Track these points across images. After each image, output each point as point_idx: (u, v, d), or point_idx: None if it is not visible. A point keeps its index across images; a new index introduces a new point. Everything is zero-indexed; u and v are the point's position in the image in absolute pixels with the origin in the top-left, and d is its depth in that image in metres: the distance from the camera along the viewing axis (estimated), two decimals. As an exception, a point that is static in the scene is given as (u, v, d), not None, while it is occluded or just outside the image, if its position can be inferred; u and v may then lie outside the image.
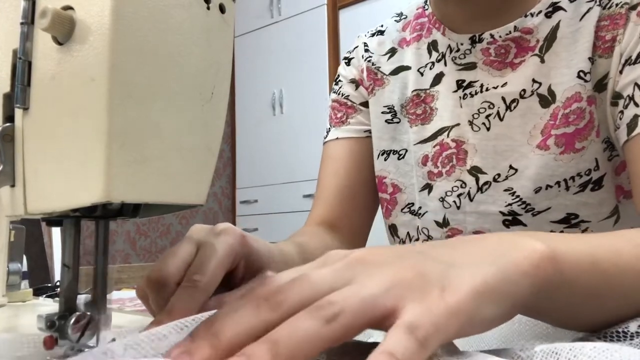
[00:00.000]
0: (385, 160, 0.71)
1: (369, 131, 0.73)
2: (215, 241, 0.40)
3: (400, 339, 0.24)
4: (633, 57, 0.52)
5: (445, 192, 0.64)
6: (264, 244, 0.47)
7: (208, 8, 0.33)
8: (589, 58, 0.55)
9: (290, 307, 0.26)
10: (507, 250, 0.30)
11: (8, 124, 0.32)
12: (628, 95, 0.52)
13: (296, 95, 3.63)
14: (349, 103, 0.75)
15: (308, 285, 0.27)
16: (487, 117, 0.61)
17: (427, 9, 0.70)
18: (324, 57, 3.48)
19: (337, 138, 0.74)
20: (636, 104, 0.52)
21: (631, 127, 0.52)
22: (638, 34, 0.53)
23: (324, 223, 0.72)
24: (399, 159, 0.69)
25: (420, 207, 0.66)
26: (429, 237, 0.65)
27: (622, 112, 0.53)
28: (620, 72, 0.53)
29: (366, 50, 0.75)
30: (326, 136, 0.76)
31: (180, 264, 0.39)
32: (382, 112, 0.71)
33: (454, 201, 0.63)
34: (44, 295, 0.84)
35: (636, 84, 0.52)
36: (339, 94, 0.77)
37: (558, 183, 0.57)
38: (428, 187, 0.66)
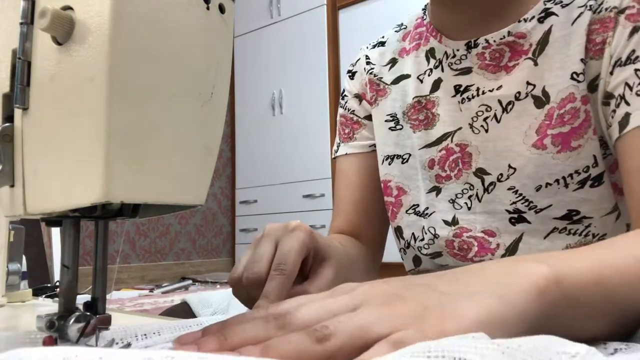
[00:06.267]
0: (389, 164, 0.73)
1: (374, 145, 0.77)
2: (291, 236, 0.49)
3: (381, 349, 0.27)
4: (623, 59, 0.54)
5: (456, 195, 0.66)
6: (324, 239, 0.54)
7: (207, 8, 0.33)
8: (582, 60, 0.57)
9: (293, 327, 0.30)
10: (511, 278, 0.33)
11: (7, 124, 0.32)
12: (619, 95, 0.54)
13: (296, 95, 3.63)
14: (355, 118, 0.79)
15: (313, 312, 0.31)
16: (485, 119, 0.63)
17: (425, 19, 0.73)
18: (323, 58, 3.48)
19: (346, 154, 0.79)
20: (627, 103, 0.54)
21: (622, 124, 0.54)
22: (626, 36, 0.54)
23: (344, 233, 0.76)
24: (402, 162, 0.72)
25: (427, 208, 0.68)
26: (435, 236, 0.67)
27: (614, 111, 0.55)
28: (611, 73, 0.55)
29: (368, 63, 0.78)
30: (337, 150, 0.80)
31: (268, 264, 0.47)
32: (386, 121, 0.74)
33: (465, 203, 0.65)
34: (44, 296, 0.84)
35: (626, 83, 0.54)
36: (345, 108, 0.80)
37: (557, 181, 0.59)
38: (436, 190, 0.68)
